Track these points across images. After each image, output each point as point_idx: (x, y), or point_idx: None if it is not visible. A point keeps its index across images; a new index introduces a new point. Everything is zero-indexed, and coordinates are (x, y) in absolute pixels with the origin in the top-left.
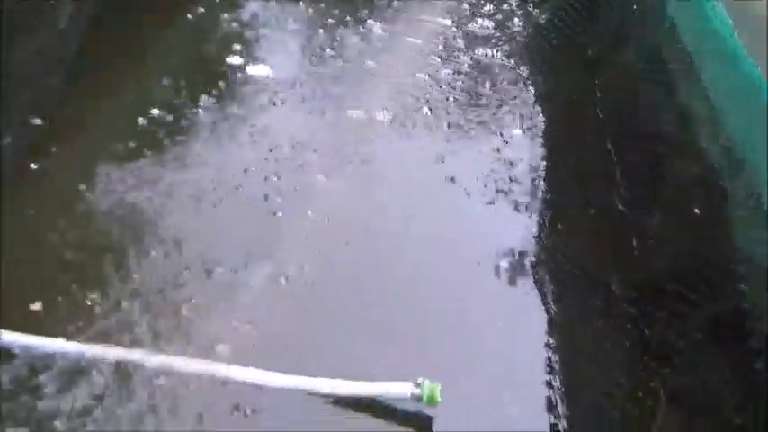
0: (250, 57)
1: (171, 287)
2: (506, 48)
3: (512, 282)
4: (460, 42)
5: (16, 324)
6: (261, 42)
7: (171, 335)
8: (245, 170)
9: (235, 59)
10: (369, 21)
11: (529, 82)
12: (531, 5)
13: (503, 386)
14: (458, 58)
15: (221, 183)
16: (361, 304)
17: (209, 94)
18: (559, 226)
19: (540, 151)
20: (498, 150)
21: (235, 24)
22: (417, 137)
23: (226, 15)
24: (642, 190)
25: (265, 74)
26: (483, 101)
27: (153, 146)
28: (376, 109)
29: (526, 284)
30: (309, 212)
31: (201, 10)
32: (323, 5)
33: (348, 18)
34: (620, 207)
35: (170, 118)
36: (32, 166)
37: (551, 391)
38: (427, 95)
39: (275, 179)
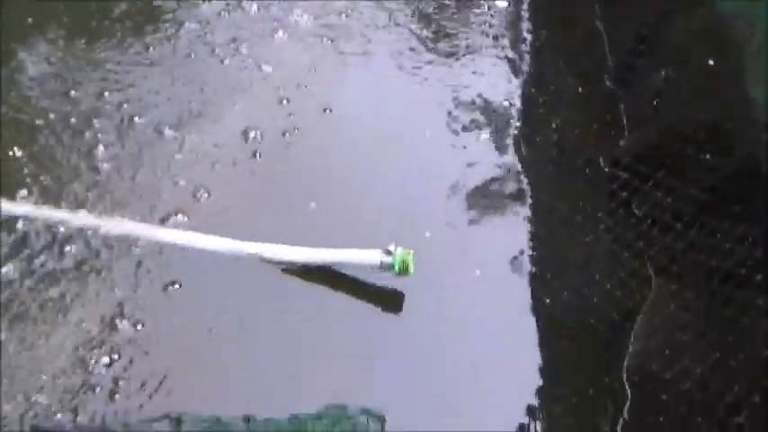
0: None
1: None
2: None
3: (497, 150)
4: None
5: None
6: None
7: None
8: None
9: None
10: None
11: None
12: None
13: (478, 264)
14: None
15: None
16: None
17: None
18: (543, 100)
19: (526, 26)
20: (484, 24)
21: None
22: None
23: None
24: (635, 58)
25: None
26: None
27: None
28: None
29: (510, 160)
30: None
31: None
32: None
33: None
34: (608, 84)
35: None
36: None
37: (535, 267)
38: None
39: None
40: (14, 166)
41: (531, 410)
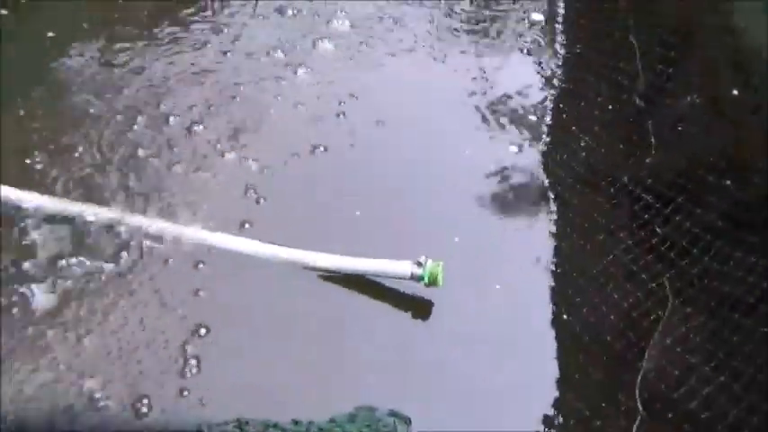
0: None
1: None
2: None
3: (526, 163)
4: None
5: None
6: None
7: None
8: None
9: None
10: None
11: None
12: None
13: (500, 276)
14: None
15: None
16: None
17: None
18: (573, 116)
19: (560, 39)
20: (520, 36)
21: None
22: None
23: None
24: (665, 81)
25: None
26: None
27: None
28: None
29: (537, 173)
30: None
31: None
32: None
33: None
34: (637, 102)
35: None
36: None
37: (556, 282)
38: None
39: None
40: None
41: (546, 421)
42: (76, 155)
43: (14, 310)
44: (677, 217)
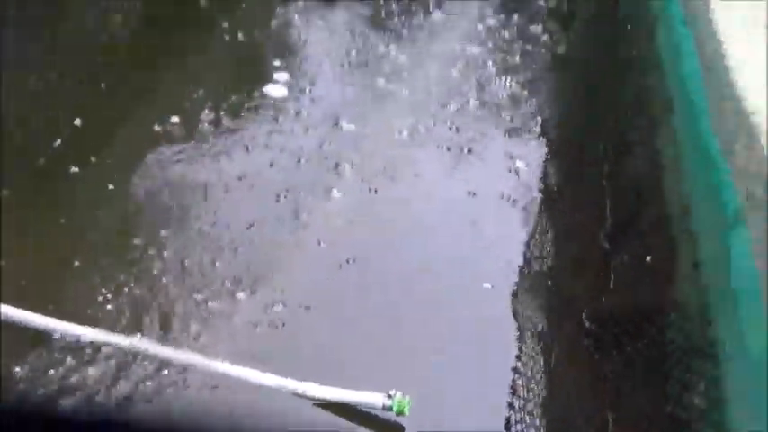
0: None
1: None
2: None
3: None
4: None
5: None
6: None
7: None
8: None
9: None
10: None
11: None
12: None
13: (469, 395)
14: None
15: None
16: None
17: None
18: (544, 257)
19: (539, 185)
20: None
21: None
22: None
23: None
24: (622, 230)
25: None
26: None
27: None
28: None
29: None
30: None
31: None
32: None
33: None
34: (604, 244)
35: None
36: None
37: (512, 411)
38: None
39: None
40: None
41: None
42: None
43: None
44: (616, 352)
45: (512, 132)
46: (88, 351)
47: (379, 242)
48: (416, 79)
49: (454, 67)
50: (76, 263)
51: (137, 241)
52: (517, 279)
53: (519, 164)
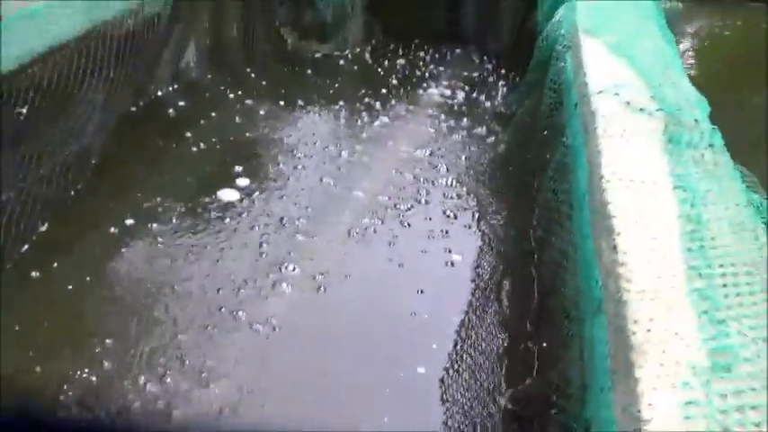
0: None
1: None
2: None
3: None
4: None
5: None
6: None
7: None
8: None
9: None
10: None
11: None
12: None
13: None
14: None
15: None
16: None
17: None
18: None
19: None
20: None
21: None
22: None
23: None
24: (543, 317)
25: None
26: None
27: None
28: None
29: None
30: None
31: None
32: None
33: None
34: (528, 328)
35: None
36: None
37: None
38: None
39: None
40: None
41: None
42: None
43: None
44: None
45: (454, 228)
46: None
47: (322, 339)
48: (369, 182)
49: (406, 170)
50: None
51: (93, 340)
52: (449, 364)
53: (455, 257)
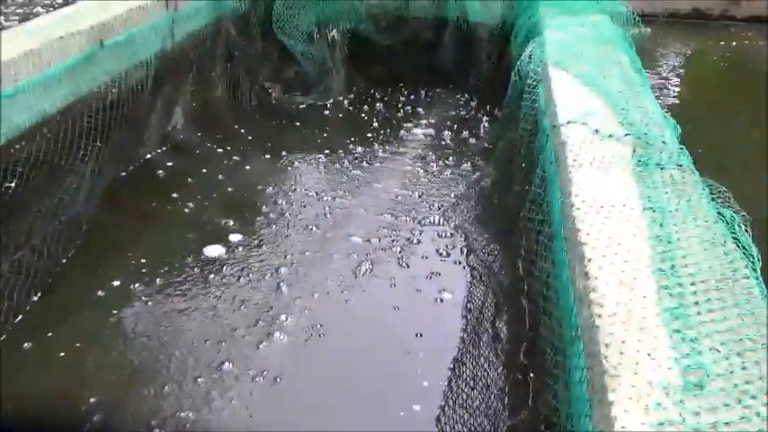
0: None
1: None
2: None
3: None
4: None
5: None
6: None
7: None
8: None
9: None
10: None
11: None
12: None
13: None
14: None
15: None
16: None
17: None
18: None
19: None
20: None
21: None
22: None
23: None
24: (534, 347)
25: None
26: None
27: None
28: None
29: None
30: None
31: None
32: None
33: None
34: (522, 359)
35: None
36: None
37: None
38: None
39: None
40: None
41: None
42: None
43: None
44: None
45: (445, 266)
46: None
47: (318, 385)
48: (358, 226)
49: (394, 212)
50: None
51: (86, 405)
52: (443, 402)
53: (447, 295)
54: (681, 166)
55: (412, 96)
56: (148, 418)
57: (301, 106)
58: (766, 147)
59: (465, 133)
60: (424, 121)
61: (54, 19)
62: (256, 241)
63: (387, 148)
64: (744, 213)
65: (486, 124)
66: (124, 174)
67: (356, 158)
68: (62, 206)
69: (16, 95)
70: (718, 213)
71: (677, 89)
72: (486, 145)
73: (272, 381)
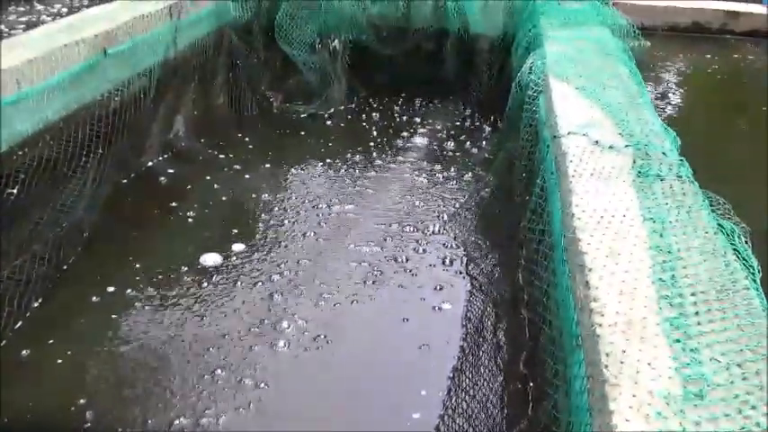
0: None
1: None
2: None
3: None
4: None
5: None
6: None
7: None
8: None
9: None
10: None
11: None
12: None
13: None
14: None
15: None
16: None
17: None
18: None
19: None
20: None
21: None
22: None
23: None
24: (536, 357)
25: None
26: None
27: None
28: None
29: None
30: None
31: None
32: None
33: None
34: (522, 369)
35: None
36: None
37: None
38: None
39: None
40: None
41: None
42: None
43: None
44: None
45: (446, 276)
46: None
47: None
48: (358, 235)
49: (396, 221)
50: None
51: (88, 415)
52: (443, 411)
53: (446, 305)
54: (681, 177)
55: (413, 106)
56: (148, 426)
57: (303, 115)
58: (765, 159)
59: (465, 143)
60: (424, 131)
61: (58, 27)
62: (257, 249)
63: (387, 157)
64: (743, 225)
65: (487, 134)
66: (125, 181)
67: (356, 167)
68: (64, 212)
69: (19, 102)
70: (719, 225)
71: (677, 101)
72: (486, 155)
73: (270, 385)
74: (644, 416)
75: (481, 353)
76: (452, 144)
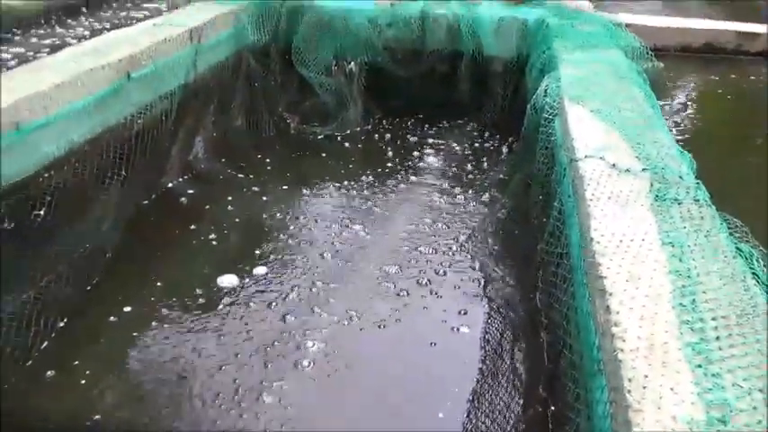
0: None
1: None
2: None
3: None
4: None
5: None
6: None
7: None
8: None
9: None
10: None
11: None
12: None
13: None
14: None
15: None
16: None
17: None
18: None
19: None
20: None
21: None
22: None
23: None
24: (554, 380)
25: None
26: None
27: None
28: None
29: None
30: None
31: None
32: None
33: None
34: (542, 392)
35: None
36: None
37: None
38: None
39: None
40: None
41: None
42: None
43: None
44: None
45: (463, 299)
46: None
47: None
48: (377, 257)
49: (413, 244)
50: None
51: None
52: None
53: (464, 329)
54: (698, 200)
55: (428, 128)
56: None
57: (319, 137)
58: None
59: (481, 165)
60: (440, 153)
61: (83, 50)
62: (276, 270)
63: (402, 178)
64: (762, 248)
65: (502, 156)
66: (146, 202)
67: (372, 188)
68: (88, 233)
69: (48, 126)
70: (737, 248)
71: (690, 122)
72: (501, 176)
73: (293, 407)
74: None
75: (499, 374)
76: (468, 165)
